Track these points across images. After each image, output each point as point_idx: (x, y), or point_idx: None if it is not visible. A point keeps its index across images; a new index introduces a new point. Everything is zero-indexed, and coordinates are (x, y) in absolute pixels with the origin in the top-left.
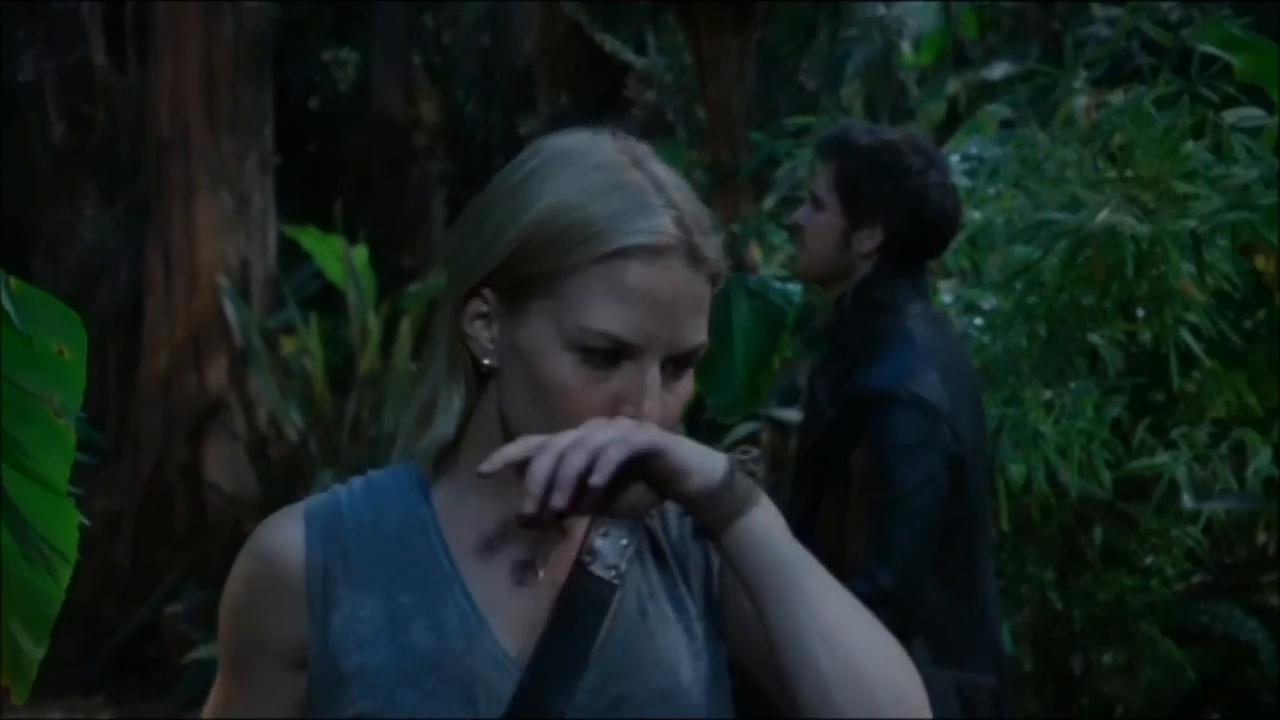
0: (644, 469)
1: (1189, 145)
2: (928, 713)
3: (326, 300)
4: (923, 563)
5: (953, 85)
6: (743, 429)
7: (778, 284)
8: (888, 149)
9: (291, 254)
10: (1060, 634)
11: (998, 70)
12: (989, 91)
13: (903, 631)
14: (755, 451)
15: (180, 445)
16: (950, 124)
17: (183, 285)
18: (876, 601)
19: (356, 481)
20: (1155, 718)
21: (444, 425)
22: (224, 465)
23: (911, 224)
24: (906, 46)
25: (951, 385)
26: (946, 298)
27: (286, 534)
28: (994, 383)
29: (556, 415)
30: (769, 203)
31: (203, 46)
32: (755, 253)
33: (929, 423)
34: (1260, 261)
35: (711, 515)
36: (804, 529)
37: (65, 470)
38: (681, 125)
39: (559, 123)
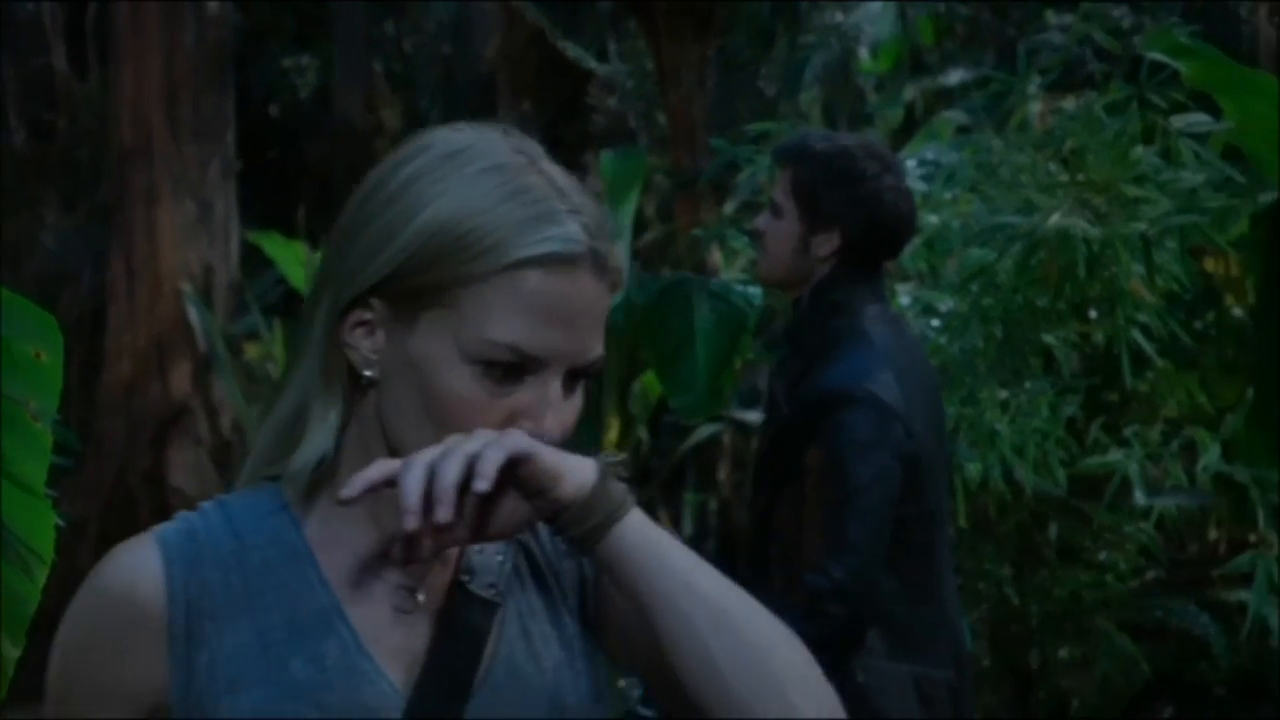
0: (516, 477)
1: (1138, 150)
2: (830, 692)
3: (289, 306)
4: (875, 558)
5: (910, 91)
6: (705, 430)
7: (739, 287)
8: (843, 155)
9: (254, 260)
10: (1017, 630)
11: (954, 77)
12: (946, 98)
13: (856, 624)
14: (623, 456)
15: (144, 451)
16: (907, 129)
17: (146, 292)
18: (830, 595)
19: (208, 506)
20: (1110, 712)
21: (319, 441)
22: (188, 471)
23: (867, 228)
24: (864, 53)
25: (907, 385)
26: (904, 300)
27: (142, 565)
28: (951, 383)
29: (449, 428)
30: (729, 208)
31: (164, 53)
32: (717, 257)
33: (882, 421)
34: (1210, 264)
35: (587, 523)
36: (763, 526)
37: (42, 472)
38: (643, 132)
39: (520, 128)
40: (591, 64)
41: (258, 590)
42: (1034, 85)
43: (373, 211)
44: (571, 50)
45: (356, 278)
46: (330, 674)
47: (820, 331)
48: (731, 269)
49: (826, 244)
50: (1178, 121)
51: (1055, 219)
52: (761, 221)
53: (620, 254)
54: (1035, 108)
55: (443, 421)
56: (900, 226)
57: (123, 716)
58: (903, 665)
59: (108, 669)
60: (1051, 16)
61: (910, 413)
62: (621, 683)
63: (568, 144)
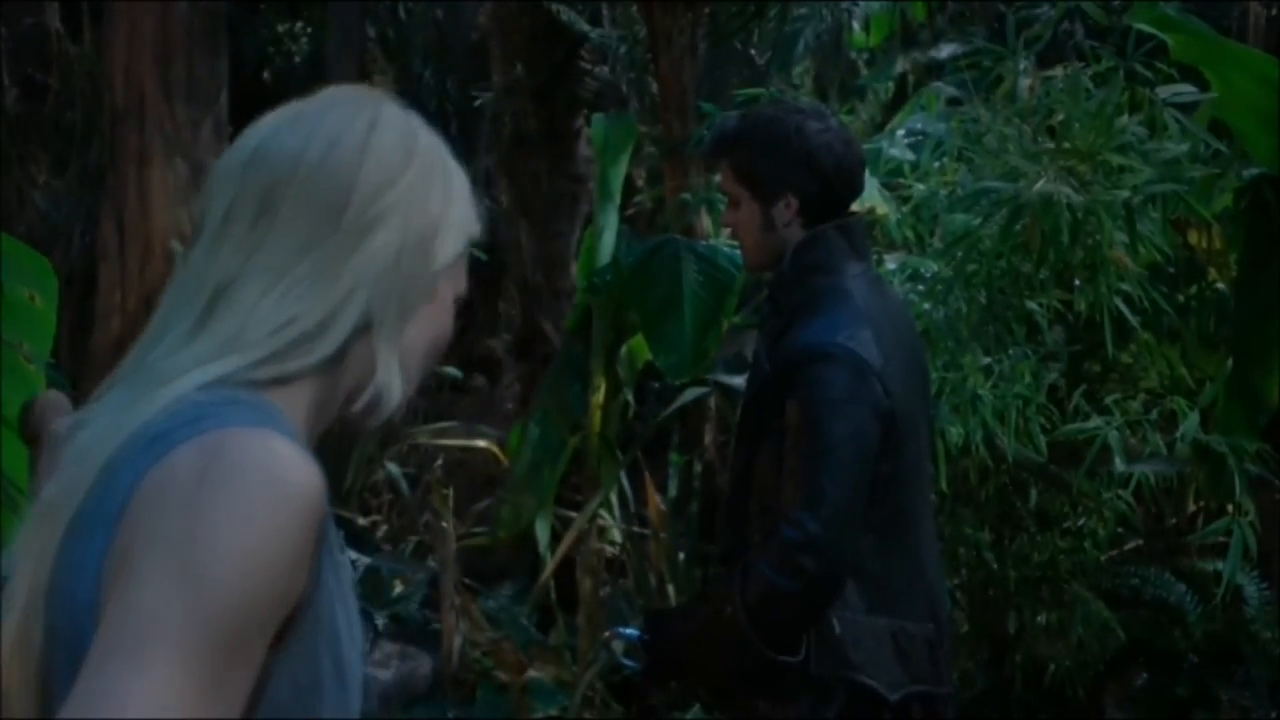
0: None
1: (1123, 120)
2: None
3: None
4: (850, 512)
5: (901, 65)
6: (691, 394)
7: (726, 249)
8: (764, 124)
9: None
10: (995, 594)
11: (945, 51)
12: (937, 71)
13: (830, 577)
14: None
15: None
16: (898, 103)
17: (136, 253)
18: (804, 547)
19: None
20: (1085, 676)
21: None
22: None
23: (813, 179)
24: (856, 27)
25: (885, 343)
26: (890, 265)
27: (310, 464)
28: (934, 348)
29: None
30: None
31: (158, 14)
32: (705, 221)
33: (859, 378)
34: (1194, 237)
35: None
36: (742, 480)
37: None
38: (633, 97)
39: (512, 92)
40: (585, 28)
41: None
42: (1024, 60)
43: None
44: (564, 15)
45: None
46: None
47: (800, 289)
48: (720, 234)
49: (786, 210)
50: (1163, 92)
51: (1039, 185)
52: (727, 218)
53: None
54: (1024, 81)
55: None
56: (844, 164)
57: (265, 638)
58: (880, 619)
59: (295, 573)
60: None
61: (887, 371)
62: (606, 634)
63: (558, 108)
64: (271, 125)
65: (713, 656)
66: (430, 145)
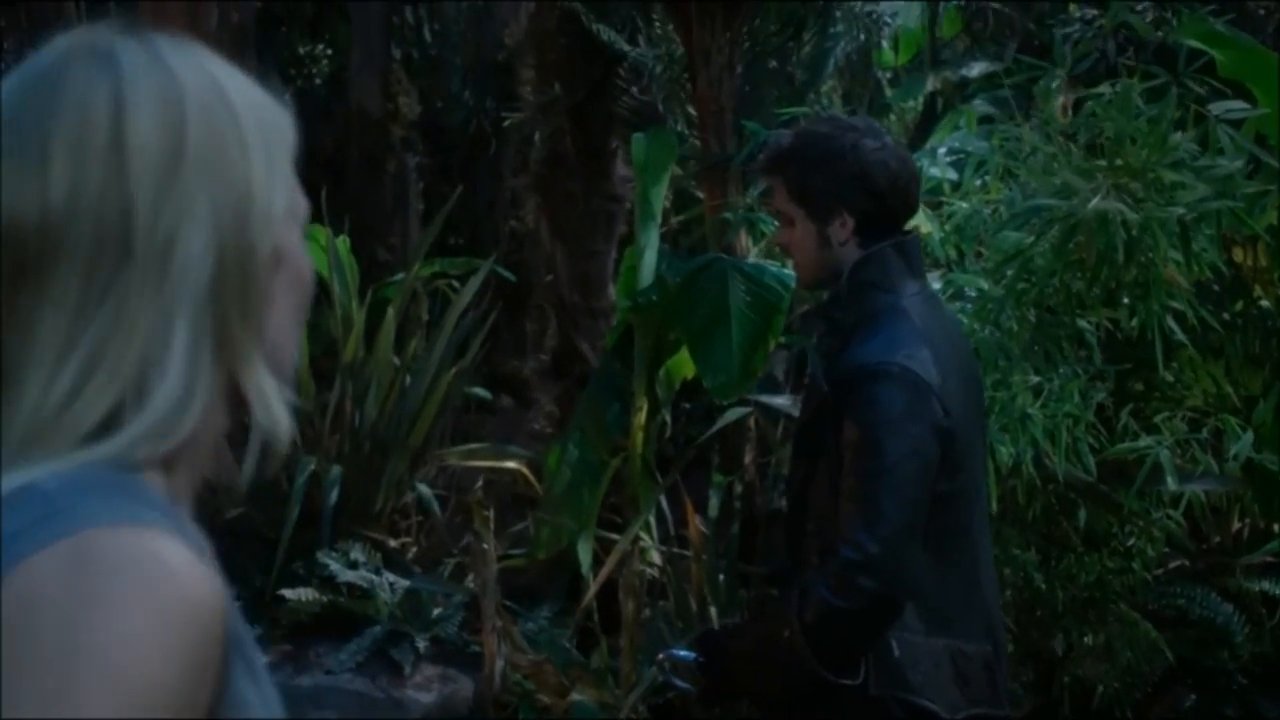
0: None
1: (1176, 136)
2: None
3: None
4: (908, 532)
5: (930, 82)
6: (732, 414)
7: (772, 268)
8: (816, 141)
9: None
10: (1042, 615)
11: (976, 69)
12: (964, 89)
13: (889, 598)
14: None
15: None
16: (925, 121)
17: None
18: (863, 568)
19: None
20: (1133, 697)
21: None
22: None
23: (868, 196)
24: (885, 44)
25: (943, 362)
26: (935, 284)
27: (193, 559)
28: (983, 366)
29: None
30: (753, 191)
31: (185, 36)
32: (743, 240)
33: (917, 396)
34: (1238, 254)
35: None
36: (799, 500)
37: None
38: (668, 115)
39: (548, 111)
40: (624, 48)
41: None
42: (1058, 76)
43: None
44: (605, 34)
45: None
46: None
47: (857, 308)
48: (759, 252)
49: (841, 229)
50: (1215, 108)
51: (1095, 202)
52: (781, 237)
53: None
54: (1058, 99)
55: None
56: (899, 181)
57: None
58: (938, 640)
59: (196, 695)
60: (1075, 9)
61: (946, 389)
62: (659, 655)
63: (594, 127)
64: None
65: (770, 677)
66: (200, 95)
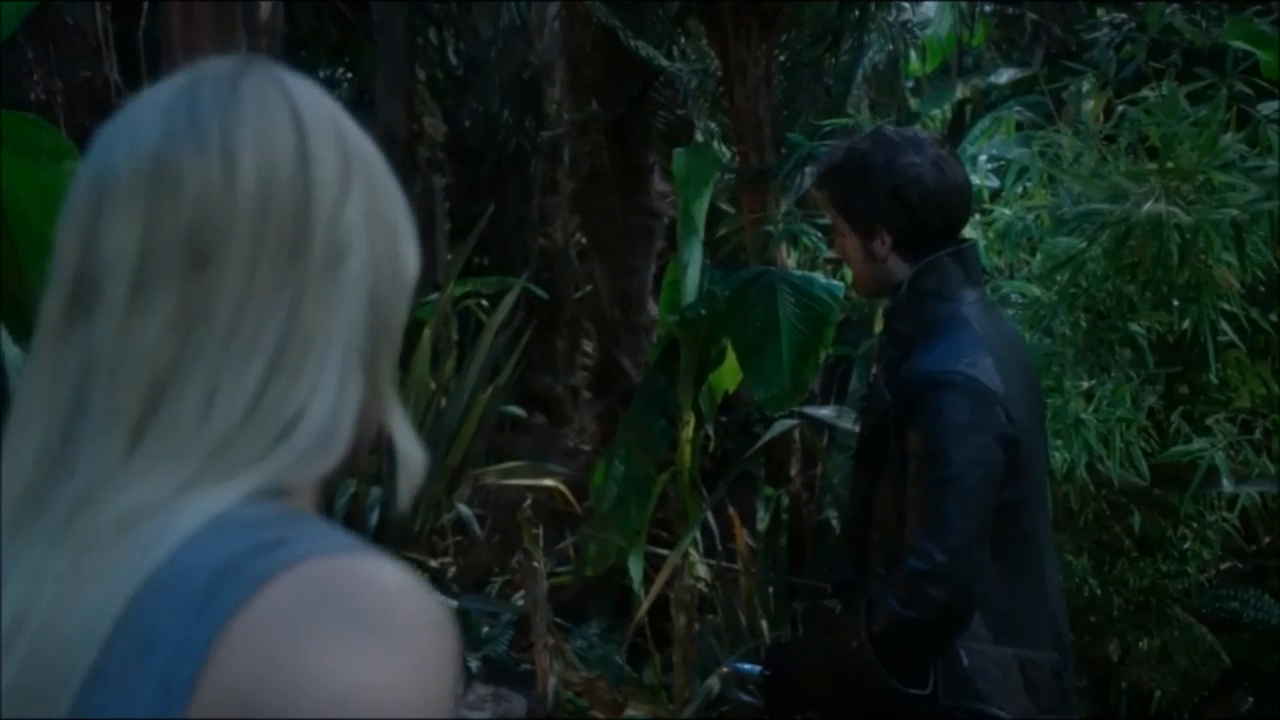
0: None
1: (1226, 137)
2: None
3: None
4: (976, 540)
5: (959, 90)
6: (780, 426)
7: (821, 279)
8: (854, 158)
9: None
10: (1097, 621)
11: (1005, 75)
12: (988, 96)
13: (958, 607)
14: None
15: None
16: (954, 129)
17: None
18: (931, 578)
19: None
20: (1190, 701)
21: None
22: None
23: (900, 212)
24: (913, 55)
25: (1005, 369)
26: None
27: (419, 583)
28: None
29: None
30: (786, 203)
31: None
32: (785, 252)
33: (982, 404)
34: None
35: None
36: (863, 511)
37: None
38: (704, 130)
39: (585, 129)
40: (663, 63)
41: None
42: (1089, 82)
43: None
44: (643, 50)
45: None
46: None
47: (916, 317)
48: (801, 263)
49: (881, 244)
50: (1264, 108)
51: (1148, 205)
52: (836, 245)
53: None
54: (1089, 105)
55: None
56: (935, 196)
57: None
58: (1006, 649)
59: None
60: (1103, 13)
61: (1009, 396)
62: (724, 669)
63: (632, 143)
64: (157, 131)
65: (840, 690)
66: (351, 129)
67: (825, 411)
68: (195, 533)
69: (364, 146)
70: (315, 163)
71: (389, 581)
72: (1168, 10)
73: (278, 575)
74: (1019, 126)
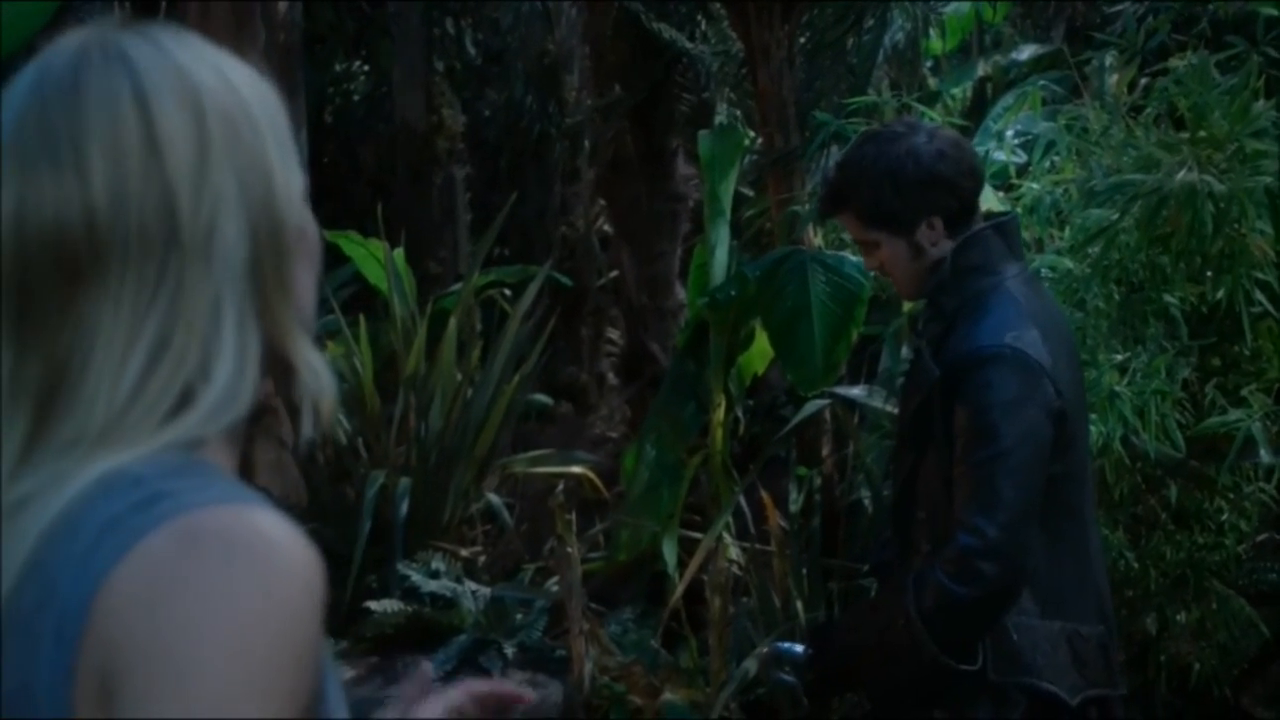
0: None
1: (1258, 105)
2: None
3: (359, 305)
4: (1027, 515)
5: (981, 68)
6: (812, 406)
7: (852, 258)
8: (869, 164)
9: (323, 260)
10: (1134, 595)
11: (1026, 52)
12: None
13: (1010, 582)
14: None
15: None
16: (976, 106)
17: None
18: (984, 553)
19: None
20: (1230, 674)
21: None
22: (272, 470)
23: (945, 192)
24: (932, 33)
25: (1051, 342)
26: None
27: (296, 532)
28: None
29: None
30: (812, 183)
31: (234, 56)
32: (812, 233)
33: (1030, 378)
34: None
35: None
36: (908, 489)
37: None
38: (725, 113)
39: (609, 115)
40: (687, 46)
41: None
42: (1111, 56)
43: None
44: (665, 33)
45: None
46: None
47: (960, 292)
48: (830, 243)
49: (930, 231)
50: None
51: (1181, 175)
52: (869, 262)
53: None
54: (1113, 79)
55: None
56: (964, 165)
57: None
58: (1054, 623)
59: (314, 670)
60: None
61: (1055, 369)
62: (764, 650)
63: (655, 128)
64: (16, 155)
65: (886, 668)
66: (210, 84)
67: (856, 391)
68: (87, 490)
69: (220, 94)
70: (166, 146)
71: (260, 527)
72: None
73: (158, 528)
74: (1043, 102)
